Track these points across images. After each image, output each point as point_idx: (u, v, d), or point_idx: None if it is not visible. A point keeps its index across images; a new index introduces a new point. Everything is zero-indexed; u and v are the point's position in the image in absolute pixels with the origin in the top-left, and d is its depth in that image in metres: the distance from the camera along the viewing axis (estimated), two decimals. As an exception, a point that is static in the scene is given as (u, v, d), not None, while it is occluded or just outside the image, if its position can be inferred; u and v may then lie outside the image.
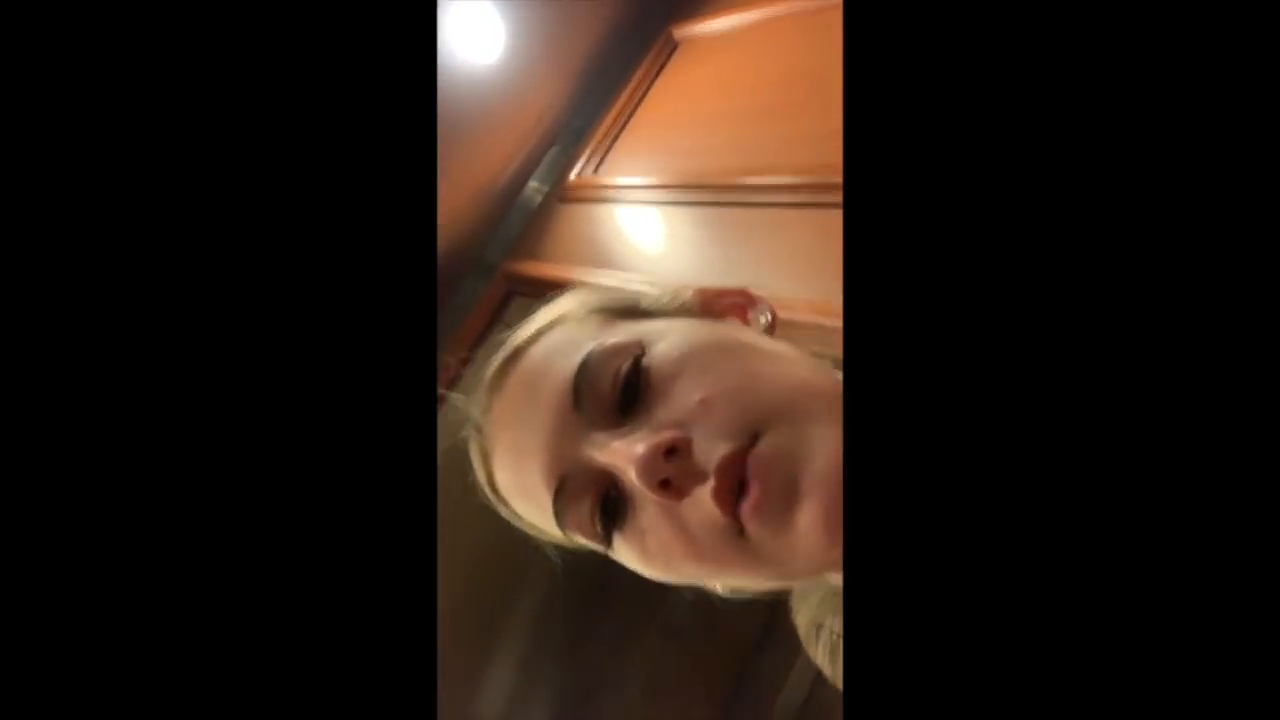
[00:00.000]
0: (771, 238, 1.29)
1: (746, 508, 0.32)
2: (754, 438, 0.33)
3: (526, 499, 0.39)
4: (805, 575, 0.38)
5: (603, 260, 1.55)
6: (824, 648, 0.45)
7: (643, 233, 1.54)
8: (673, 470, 0.33)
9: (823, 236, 1.20)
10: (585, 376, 0.36)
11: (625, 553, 0.37)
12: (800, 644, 0.48)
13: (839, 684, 0.43)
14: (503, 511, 0.42)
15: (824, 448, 0.33)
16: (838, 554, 0.33)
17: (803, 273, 1.20)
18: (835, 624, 0.44)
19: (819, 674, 0.47)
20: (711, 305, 0.42)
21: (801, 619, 0.46)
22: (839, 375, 0.39)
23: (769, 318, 0.42)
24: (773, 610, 0.45)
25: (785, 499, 0.32)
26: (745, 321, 0.42)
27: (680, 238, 1.47)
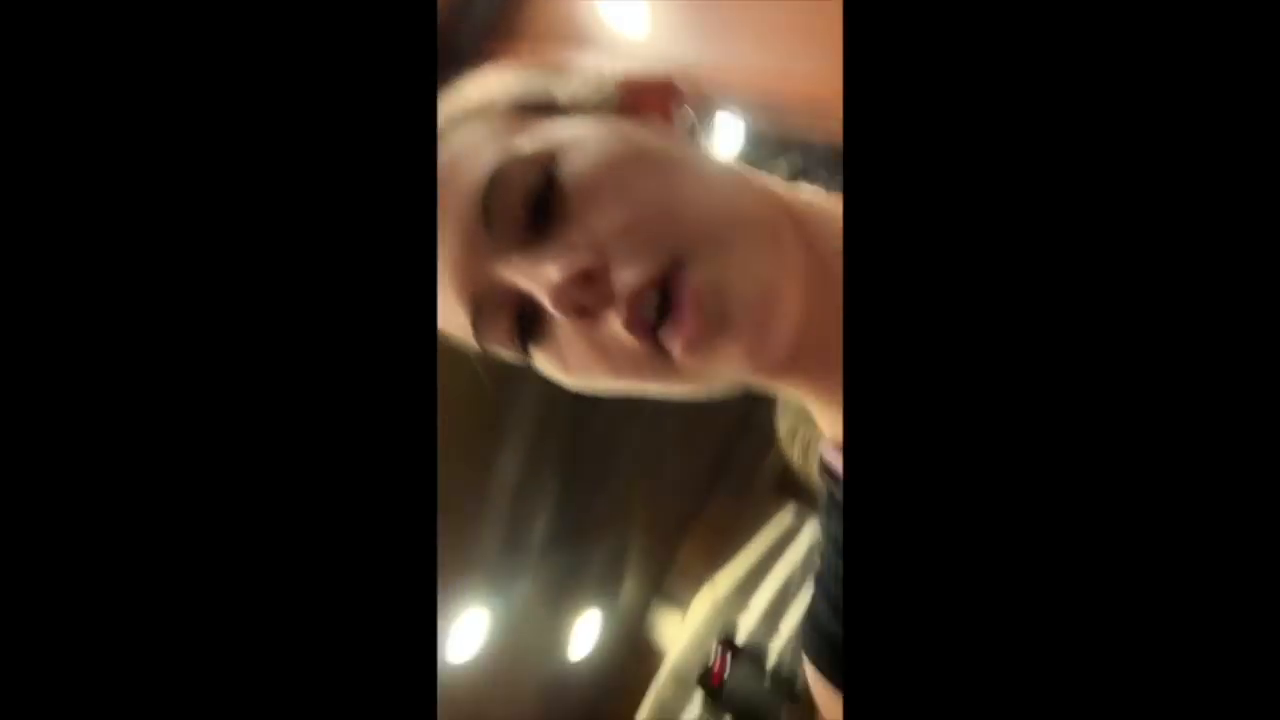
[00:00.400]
0: (760, 12, 1.20)
1: (678, 342, 0.32)
2: (676, 264, 0.33)
3: (443, 315, 0.38)
4: (725, 390, 0.38)
5: (583, 39, 1.45)
6: (799, 447, 0.48)
7: (626, 9, 1.42)
8: (588, 297, 0.33)
9: (815, 13, 1.12)
10: (494, 192, 0.34)
11: (545, 366, 0.38)
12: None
13: (811, 476, 0.46)
14: None
15: (749, 276, 0.33)
16: (761, 365, 0.34)
17: (794, 48, 1.13)
18: (808, 430, 0.47)
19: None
20: (634, 99, 0.39)
21: (783, 427, 0.49)
22: (779, 184, 0.39)
23: (694, 119, 0.39)
24: (749, 403, 0.48)
25: (715, 330, 0.32)
26: (668, 118, 0.39)
27: (665, 11, 1.36)
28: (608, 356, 0.35)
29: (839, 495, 0.40)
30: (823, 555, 0.43)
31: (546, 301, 0.33)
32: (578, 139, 0.35)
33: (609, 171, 0.34)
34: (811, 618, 0.42)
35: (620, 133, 0.36)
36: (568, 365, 0.36)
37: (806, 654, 0.42)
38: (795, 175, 0.40)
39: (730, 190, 0.35)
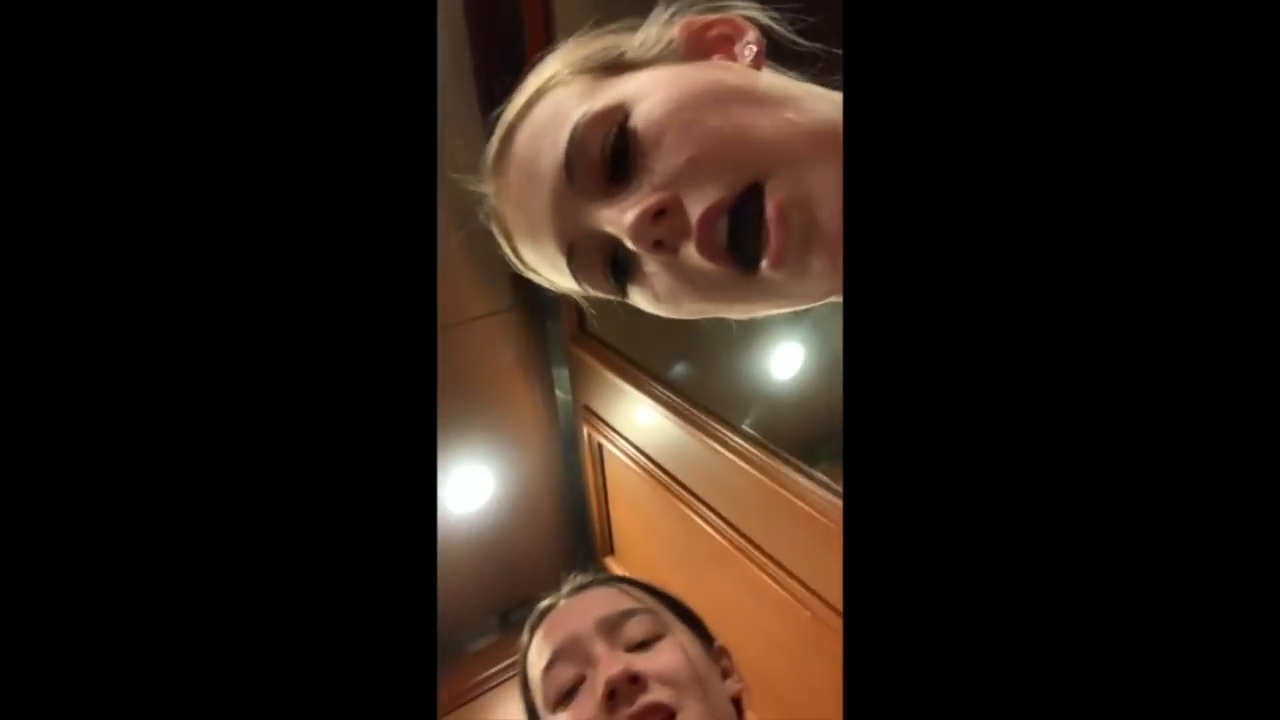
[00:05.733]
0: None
1: (767, 258, 0.35)
2: (754, 188, 0.34)
3: (548, 266, 0.44)
4: (812, 302, 0.40)
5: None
6: None
7: None
8: (663, 231, 0.36)
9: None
10: (573, 151, 0.38)
11: (639, 300, 0.42)
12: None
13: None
14: (534, 278, 0.46)
15: (829, 188, 0.34)
16: (839, 279, 0.35)
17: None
18: None
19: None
20: (698, 41, 0.42)
21: None
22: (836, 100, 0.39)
23: (755, 48, 0.41)
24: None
25: (802, 242, 0.34)
26: (733, 56, 0.41)
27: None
28: (694, 284, 0.38)
29: None
30: None
31: (628, 241, 0.37)
32: (645, 89, 0.38)
33: (676, 113, 0.36)
34: None
35: (684, 75, 0.39)
36: (658, 296, 0.40)
37: None
38: None
39: (797, 113, 0.37)
